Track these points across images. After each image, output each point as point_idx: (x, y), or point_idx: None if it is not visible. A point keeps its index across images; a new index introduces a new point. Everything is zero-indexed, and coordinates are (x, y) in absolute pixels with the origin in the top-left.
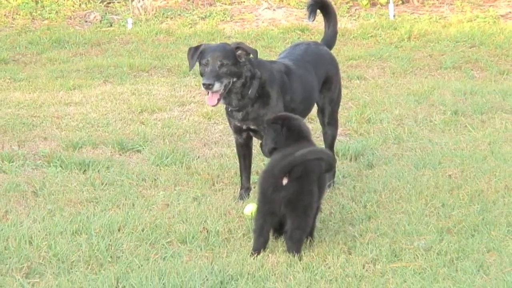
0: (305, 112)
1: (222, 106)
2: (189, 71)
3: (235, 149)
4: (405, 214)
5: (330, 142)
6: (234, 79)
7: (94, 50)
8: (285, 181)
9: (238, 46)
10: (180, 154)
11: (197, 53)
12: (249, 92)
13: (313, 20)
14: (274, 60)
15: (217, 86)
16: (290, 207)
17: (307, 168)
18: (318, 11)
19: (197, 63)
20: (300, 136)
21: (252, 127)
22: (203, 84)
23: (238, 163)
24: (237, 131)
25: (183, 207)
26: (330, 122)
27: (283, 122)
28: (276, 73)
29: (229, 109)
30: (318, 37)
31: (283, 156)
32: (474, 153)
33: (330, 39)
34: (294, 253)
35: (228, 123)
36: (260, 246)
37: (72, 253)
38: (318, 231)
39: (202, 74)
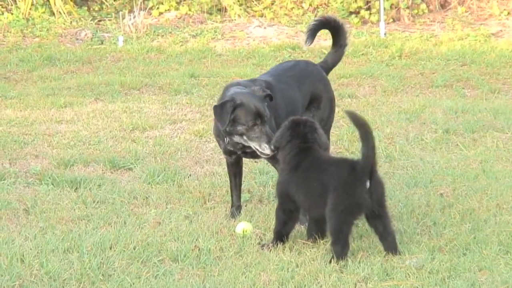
0: None
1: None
2: (222, 129)
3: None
4: (397, 233)
5: None
6: None
7: (85, 68)
8: (368, 183)
9: (266, 94)
10: (172, 172)
11: (228, 111)
12: None
13: (310, 45)
14: (254, 78)
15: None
16: (384, 205)
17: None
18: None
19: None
20: (306, 143)
21: (247, 150)
22: (272, 150)
23: (229, 182)
24: (229, 153)
25: (174, 225)
26: None
27: (290, 124)
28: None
29: (228, 142)
30: (309, 56)
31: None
32: (465, 171)
33: (330, 62)
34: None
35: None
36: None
37: (64, 271)
38: (310, 248)
39: (253, 137)
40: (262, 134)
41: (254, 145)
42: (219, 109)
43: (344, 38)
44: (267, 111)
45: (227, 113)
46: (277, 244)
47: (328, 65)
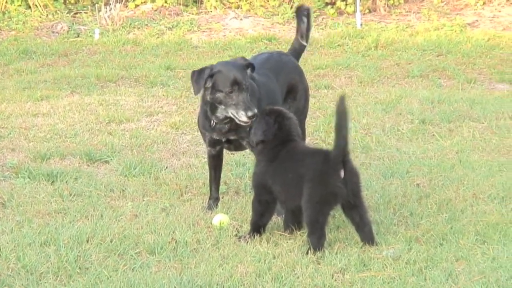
0: None
1: (191, 118)
2: (195, 95)
3: (203, 159)
4: (374, 223)
5: None
6: None
7: (62, 61)
8: (342, 173)
9: (247, 64)
10: (148, 165)
11: (204, 77)
12: None
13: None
14: None
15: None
16: (359, 195)
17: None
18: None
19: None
20: (288, 137)
21: (232, 137)
22: (249, 117)
23: (207, 174)
24: (213, 144)
25: (151, 218)
26: None
27: (276, 118)
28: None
29: (214, 124)
30: (285, 47)
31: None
32: (442, 161)
33: (298, 48)
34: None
35: (201, 137)
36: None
37: (41, 264)
38: (287, 240)
39: (231, 104)
40: (239, 101)
41: (231, 112)
42: (196, 74)
43: (309, 25)
44: (246, 79)
45: (202, 78)
46: (254, 236)
47: (297, 51)
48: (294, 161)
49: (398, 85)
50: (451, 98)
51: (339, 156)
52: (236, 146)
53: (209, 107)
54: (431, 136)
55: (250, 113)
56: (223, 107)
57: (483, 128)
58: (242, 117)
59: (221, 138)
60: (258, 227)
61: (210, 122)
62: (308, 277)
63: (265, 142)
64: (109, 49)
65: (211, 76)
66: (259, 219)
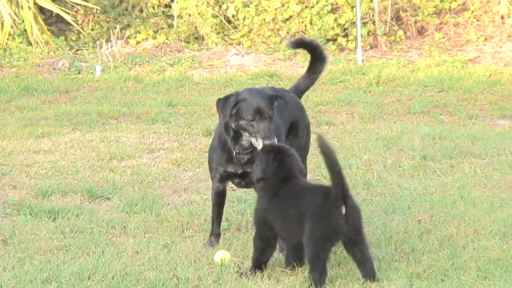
0: None
1: (192, 155)
2: (222, 122)
3: (204, 196)
4: (375, 259)
5: None
6: None
7: (63, 98)
8: (343, 209)
9: (274, 94)
10: (150, 201)
11: (230, 105)
12: None
13: (291, 46)
14: None
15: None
16: (361, 231)
17: None
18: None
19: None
20: (290, 174)
21: (249, 170)
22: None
23: (208, 210)
24: (224, 179)
25: (153, 254)
26: None
27: (276, 155)
28: None
29: (235, 153)
30: (287, 83)
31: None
32: (443, 197)
33: (303, 87)
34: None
35: (211, 172)
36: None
37: None
38: (288, 276)
39: (253, 132)
40: (260, 129)
41: (253, 140)
42: (222, 102)
43: (321, 65)
44: (270, 108)
45: (229, 106)
46: (256, 272)
47: (300, 89)
48: (295, 198)
49: (399, 121)
50: (452, 134)
51: (339, 193)
52: (248, 182)
53: (233, 135)
54: (432, 172)
55: (267, 142)
56: (247, 134)
57: (485, 164)
58: (259, 144)
59: (237, 171)
60: (259, 263)
61: (229, 154)
62: None
63: (265, 179)
64: (111, 85)
65: (236, 103)
66: (261, 255)
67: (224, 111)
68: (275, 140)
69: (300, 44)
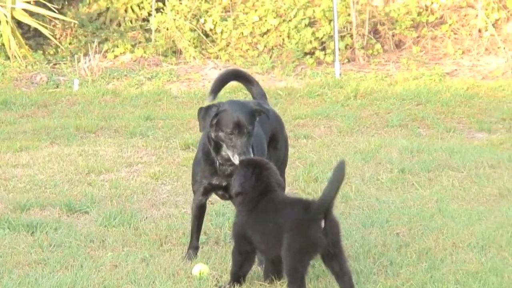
0: None
1: (170, 168)
2: (200, 131)
3: (183, 209)
4: (353, 272)
5: None
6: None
7: (41, 112)
8: (322, 223)
9: (257, 109)
10: (128, 215)
11: (210, 115)
12: None
13: (214, 99)
14: None
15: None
16: (339, 245)
17: None
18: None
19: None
20: (268, 188)
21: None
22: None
23: (187, 224)
24: (208, 191)
25: (131, 268)
26: None
27: (254, 169)
28: None
29: (219, 164)
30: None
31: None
32: (421, 211)
33: (261, 98)
34: None
35: (194, 186)
36: None
37: None
38: None
39: (230, 146)
40: (237, 144)
41: (229, 153)
42: (204, 111)
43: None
44: (250, 123)
45: (209, 116)
46: (234, 286)
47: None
48: (274, 211)
49: (377, 134)
50: (430, 147)
51: (322, 207)
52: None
53: (214, 146)
54: (410, 185)
55: (243, 158)
56: (224, 146)
57: (463, 177)
58: (235, 160)
59: (222, 183)
60: (238, 277)
61: (213, 165)
62: None
63: (244, 194)
64: (89, 99)
65: (216, 114)
66: (239, 269)
67: (204, 120)
68: (251, 156)
69: (223, 81)
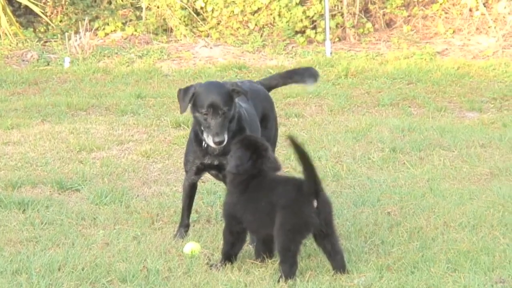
0: None
1: (162, 147)
2: (181, 113)
3: (174, 187)
4: (345, 251)
5: None
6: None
7: (32, 89)
8: (315, 203)
9: (235, 89)
10: (119, 193)
11: (189, 96)
12: (233, 126)
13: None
14: None
15: (226, 138)
16: (331, 224)
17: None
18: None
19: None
20: (260, 173)
21: (225, 161)
22: (215, 142)
23: (178, 202)
24: (200, 171)
25: (123, 246)
26: None
27: (252, 154)
28: (240, 107)
29: (206, 144)
30: (255, 75)
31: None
32: (412, 190)
33: (273, 83)
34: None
35: (187, 165)
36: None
37: None
38: (258, 268)
39: (205, 126)
40: (211, 125)
41: (204, 134)
42: (183, 92)
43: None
44: (226, 105)
45: (188, 96)
46: (226, 264)
47: (270, 85)
48: (267, 190)
49: (368, 113)
50: (421, 126)
51: (311, 187)
52: (225, 175)
53: (199, 126)
54: (401, 165)
55: (217, 139)
56: (202, 127)
57: (454, 156)
58: (210, 141)
59: (214, 162)
60: (229, 256)
61: (202, 145)
62: None
63: (236, 175)
64: (79, 77)
65: (193, 94)
66: (230, 248)
67: (183, 101)
68: (225, 138)
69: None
